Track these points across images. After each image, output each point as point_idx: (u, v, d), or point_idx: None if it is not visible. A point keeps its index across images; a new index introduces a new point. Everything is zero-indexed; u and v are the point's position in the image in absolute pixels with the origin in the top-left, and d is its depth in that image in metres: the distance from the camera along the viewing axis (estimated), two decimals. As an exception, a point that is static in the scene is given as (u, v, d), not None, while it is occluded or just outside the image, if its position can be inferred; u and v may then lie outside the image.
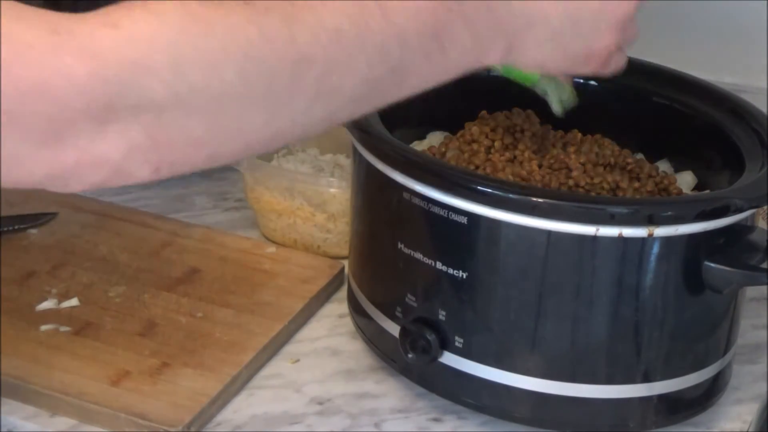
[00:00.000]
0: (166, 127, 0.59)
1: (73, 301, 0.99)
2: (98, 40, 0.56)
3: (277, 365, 0.95)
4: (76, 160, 0.58)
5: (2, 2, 0.56)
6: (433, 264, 0.84)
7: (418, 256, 0.85)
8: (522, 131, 0.95)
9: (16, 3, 0.57)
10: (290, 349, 0.97)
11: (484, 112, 0.97)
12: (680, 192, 0.93)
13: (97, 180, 0.60)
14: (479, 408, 0.87)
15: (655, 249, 0.80)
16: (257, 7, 0.61)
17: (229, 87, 0.60)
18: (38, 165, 0.58)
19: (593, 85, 0.97)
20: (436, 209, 0.82)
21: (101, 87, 0.56)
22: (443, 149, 0.94)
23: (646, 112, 0.84)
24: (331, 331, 1.00)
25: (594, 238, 0.79)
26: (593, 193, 0.88)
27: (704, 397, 0.88)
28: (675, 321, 0.83)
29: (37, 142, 0.57)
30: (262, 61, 0.60)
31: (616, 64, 0.79)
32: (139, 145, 0.59)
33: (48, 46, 0.56)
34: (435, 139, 0.98)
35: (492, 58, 0.72)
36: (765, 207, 0.95)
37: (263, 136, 0.64)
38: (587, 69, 0.78)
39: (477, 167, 0.92)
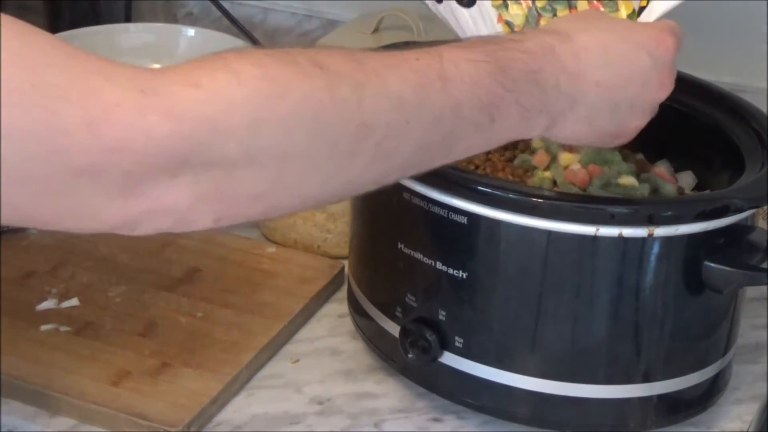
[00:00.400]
0: (233, 183, 0.61)
1: (73, 301, 0.99)
2: (181, 99, 0.58)
3: (277, 365, 0.95)
4: (147, 209, 0.60)
5: (92, 59, 0.58)
6: (433, 264, 0.84)
7: (418, 256, 0.85)
8: (522, 131, 0.95)
9: (103, 59, 0.59)
10: (290, 349, 0.97)
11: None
12: (681, 192, 0.93)
13: (162, 227, 0.62)
14: (479, 408, 0.87)
15: (655, 249, 0.80)
16: (330, 72, 0.63)
17: (296, 148, 0.62)
18: (111, 214, 0.60)
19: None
20: (436, 209, 0.82)
21: (180, 145, 0.58)
22: (443, 149, 0.94)
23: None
24: (331, 331, 1.00)
25: (594, 238, 0.79)
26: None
27: (704, 397, 0.88)
28: (675, 321, 0.83)
29: (113, 194, 0.59)
30: (330, 125, 0.63)
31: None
32: (206, 197, 0.61)
33: (134, 105, 0.57)
34: (435, 139, 0.98)
35: (533, 132, 0.74)
36: (765, 207, 0.95)
37: (319, 194, 0.66)
38: (613, 144, 0.80)
39: (477, 167, 0.92)
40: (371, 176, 0.67)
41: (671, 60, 0.78)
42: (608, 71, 0.74)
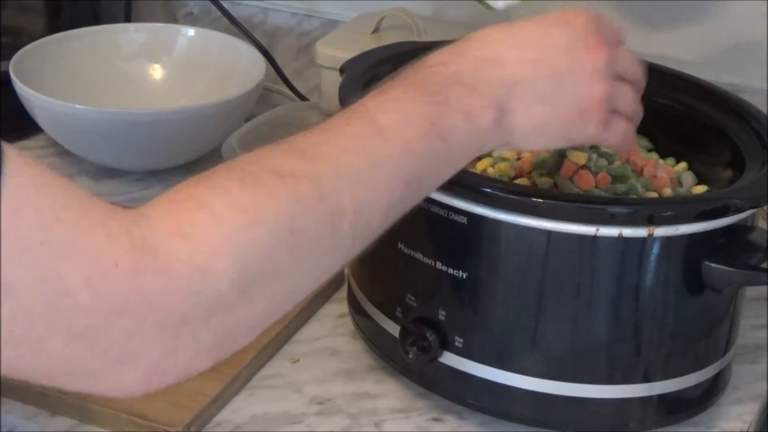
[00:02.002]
0: (231, 326, 0.61)
1: (73, 301, 0.99)
2: (172, 254, 0.58)
3: (277, 365, 0.95)
4: (145, 374, 0.59)
5: (100, 211, 0.57)
6: (433, 264, 0.84)
7: (418, 256, 0.85)
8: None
9: (109, 208, 0.58)
10: (290, 349, 0.97)
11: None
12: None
13: (160, 387, 0.60)
14: (479, 408, 0.87)
15: (655, 249, 0.80)
16: (286, 176, 0.63)
17: (282, 266, 0.62)
18: (107, 379, 0.59)
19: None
20: (436, 209, 0.82)
21: (176, 301, 0.58)
22: (443, 149, 0.94)
23: (646, 112, 0.84)
24: (331, 331, 1.00)
25: (594, 238, 0.79)
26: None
27: (704, 397, 0.88)
28: (675, 321, 0.83)
29: (112, 358, 0.57)
30: (305, 230, 0.63)
31: (623, 132, 0.78)
32: (205, 350, 0.61)
33: (131, 265, 0.56)
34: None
35: (488, 132, 0.73)
36: (765, 207, 0.95)
37: (316, 284, 0.66)
38: (588, 130, 0.77)
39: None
40: (359, 247, 0.68)
41: (590, 27, 0.76)
42: (522, 50, 0.74)
